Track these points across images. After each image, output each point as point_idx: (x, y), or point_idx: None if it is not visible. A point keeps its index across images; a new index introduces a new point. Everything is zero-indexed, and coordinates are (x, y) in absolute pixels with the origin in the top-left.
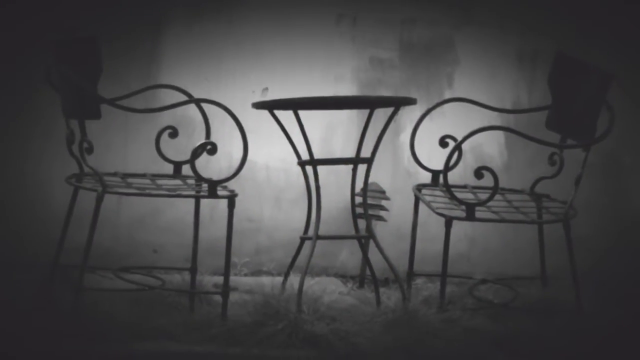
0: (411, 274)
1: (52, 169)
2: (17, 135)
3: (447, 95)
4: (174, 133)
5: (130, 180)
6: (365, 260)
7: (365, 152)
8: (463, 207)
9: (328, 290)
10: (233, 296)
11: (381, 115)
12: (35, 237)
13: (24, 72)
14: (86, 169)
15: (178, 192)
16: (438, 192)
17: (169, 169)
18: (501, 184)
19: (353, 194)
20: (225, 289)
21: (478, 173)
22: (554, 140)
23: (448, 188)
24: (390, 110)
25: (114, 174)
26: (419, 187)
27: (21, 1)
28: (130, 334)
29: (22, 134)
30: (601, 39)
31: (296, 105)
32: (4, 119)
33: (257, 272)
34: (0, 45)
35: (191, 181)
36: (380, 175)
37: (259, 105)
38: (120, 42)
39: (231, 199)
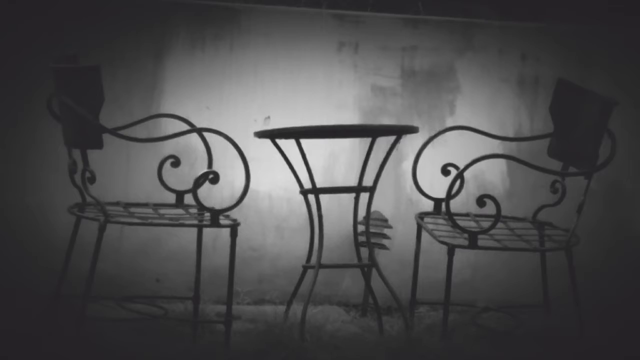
0: (414, 302)
1: (55, 198)
2: (19, 163)
3: (449, 123)
4: (176, 162)
5: (132, 209)
6: (368, 289)
7: (368, 181)
8: (465, 235)
9: (331, 318)
10: (236, 325)
11: (383, 143)
12: (37, 267)
13: (25, 100)
14: (88, 199)
15: (180, 222)
16: (440, 220)
17: (171, 198)
18: (503, 212)
19: (355, 223)
20: (228, 318)
21: (480, 201)
22: (556, 168)
23: (450, 216)
24: (392, 138)
25: (116, 204)
26: (422, 215)
27: (22, 29)
28: None
29: (24, 162)
30: (602, 64)
31: (298, 134)
32: (6, 147)
33: (260, 301)
34: (0, 74)
35: (193, 210)
36: (383, 203)
37: (261, 134)
38: (121, 70)
39: (234, 228)
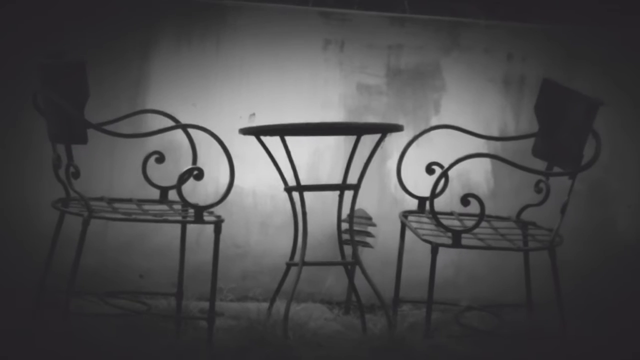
0: (397, 301)
1: (39, 193)
2: (3, 158)
3: (434, 122)
4: (160, 158)
5: (116, 205)
6: (351, 287)
7: (352, 179)
8: (449, 234)
9: (314, 316)
10: (219, 322)
11: (368, 141)
12: (21, 261)
13: (10, 95)
14: (72, 194)
15: (164, 218)
16: (424, 219)
17: (155, 194)
18: (487, 211)
19: (339, 221)
20: (211, 315)
21: (464, 200)
22: (541, 168)
23: (434, 215)
24: (377, 136)
25: (100, 199)
26: (406, 214)
27: (6, 23)
28: (115, 359)
29: (7, 157)
30: (588, 65)
31: (283, 131)
32: (6, 148)
33: (243, 298)
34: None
35: (178, 206)
36: (367, 201)
37: (245, 131)
38: (107, 66)
39: (217, 224)
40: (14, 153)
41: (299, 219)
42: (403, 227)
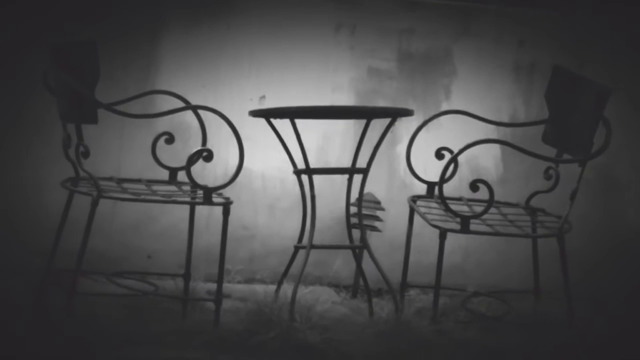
0: (405, 285)
1: (48, 172)
2: (14, 137)
3: (444, 107)
4: (170, 139)
5: (125, 185)
6: (359, 271)
7: (361, 162)
8: (458, 219)
9: (321, 299)
10: (226, 303)
11: (378, 125)
12: (30, 240)
13: (21, 75)
14: (82, 173)
15: (173, 199)
16: (433, 204)
17: (164, 174)
18: (496, 197)
19: (348, 204)
20: (218, 296)
21: (473, 186)
22: (550, 155)
23: (443, 200)
24: (387, 120)
25: (110, 179)
26: (414, 199)
27: (18, 3)
28: (122, 339)
29: (18, 136)
30: (598, 51)
31: (293, 114)
32: (0, 121)
33: (251, 280)
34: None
35: (186, 187)
36: (376, 185)
37: (255, 113)
38: (118, 47)
39: (226, 206)
40: (25, 132)
41: (308, 202)
42: (412, 211)
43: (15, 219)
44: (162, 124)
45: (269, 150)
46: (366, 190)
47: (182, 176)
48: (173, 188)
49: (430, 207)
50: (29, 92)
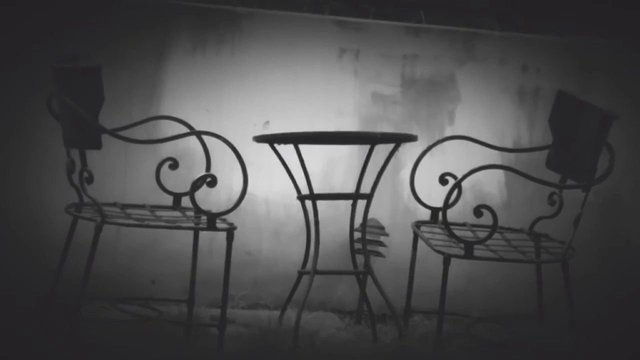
0: (409, 311)
1: (53, 197)
2: (18, 162)
3: (448, 132)
4: (174, 164)
5: (129, 210)
6: (363, 296)
7: (365, 188)
8: (462, 245)
9: (325, 325)
10: (230, 329)
11: (382, 150)
12: (34, 265)
13: (24, 99)
14: (86, 199)
15: (177, 224)
16: (437, 229)
17: (168, 200)
18: (500, 223)
19: (352, 230)
20: (222, 322)
21: (477, 211)
22: (554, 180)
23: (447, 226)
24: (391, 146)
25: (114, 204)
26: (418, 224)
27: (23, 28)
28: None
29: (23, 161)
30: (602, 77)
31: (297, 139)
32: (6, 145)
33: (255, 306)
34: (1, 72)
35: (190, 213)
36: (380, 211)
37: (260, 139)
38: (122, 70)
39: (230, 232)
40: (29, 156)
41: (312, 227)
42: (415, 237)
43: (20, 243)
44: (167, 150)
45: (273, 175)
46: (370, 215)
47: (186, 201)
48: (177, 214)
49: (434, 233)
50: (33, 116)
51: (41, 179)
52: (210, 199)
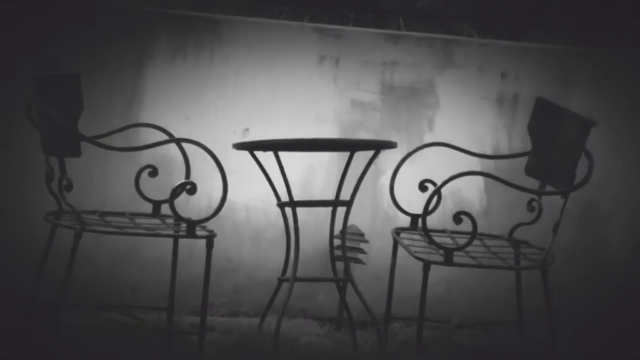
0: (389, 317)
1: (32, 204)
2: None
3: (428, 139)
4: (153, 172)
5: (108, 218)
6: (343, 303)
7: (345, 195)
8: (441, 251)
9: (305, 332)
10: (210, 336)
11: (362, 157)
12: (13, 273)
13: (4, 106)
14: (65, 207)
15: (156, 232)
16: (417, 236)
17: (148, 207)
18: (480, 229)
19: (332, 237)
20: (202, 329)
21: (457, 218)
22: (534, 187)
23: (427, 232)
24: (370, 152)
25: (93, 212)
26: (398, 231)
27: (1, 35)
28: None
29: (1, 169)
30: (581, 84)
31: (276, 146)
32: None
33: (235, 313)
34: None
35: (170, 220)
36: (360, 217)
37: (239, 146)
38: (101, 78)
39: (209, 239)
40: (7, 164)
41: (291, 234)
42: (395, 243)
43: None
44: (146, 157)
45: (253, 182)
46: (350, 222)
47: (166, 209)
48: (157, 221)
49: (413, 239)
50: (13, 123)
51: (20, 187)
52: (191, 206)
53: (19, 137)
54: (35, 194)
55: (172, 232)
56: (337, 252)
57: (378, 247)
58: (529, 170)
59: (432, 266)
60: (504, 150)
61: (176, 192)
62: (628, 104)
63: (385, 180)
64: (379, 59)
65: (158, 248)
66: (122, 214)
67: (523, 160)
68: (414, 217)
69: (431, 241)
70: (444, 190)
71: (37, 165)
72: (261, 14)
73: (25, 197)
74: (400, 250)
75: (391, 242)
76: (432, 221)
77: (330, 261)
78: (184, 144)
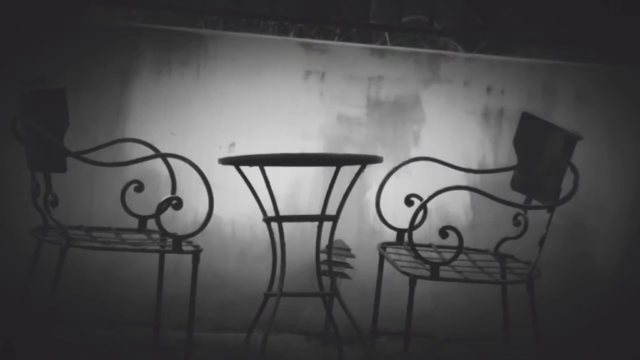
0: (375, 332)
1: (18, 219)
2: None
3: (414, 153)
4: (139, 187)
5: (94, 233)
6: (329, 318)
7: (331, 209)
8: (427, 266)
9: (292, 347)
10: (196, 352)
11: (348, 172)
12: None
13: None
14: (51, 222)
15: (142, 247)
16: (403, 251)
17: (134, 223)
18: (466, 244)
19: (318, 251)
20: (189, 345)
21: (443, 232)
22: (519, 201)
23: (413, 247)
24: (356, 167)
25: (79, 227)
26: (384, 245)
27: None
28: None
29: None
30: (566, 99)
31: (262, 161)
32: None
33: (221, 328)
34: None
35: (156, 235)
36: (346, 232)
37: (225, 161)
38: (87, 94)
39: (195, 254)
40: None
41: (278, 249)
42: (381, 258)
43: None
44: (132, 172)
45: (239, 197)
46: (336, 237)
47: (152, 224)
48: (143, 236)
49: (400, 254)
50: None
51: (6, 202)
52: (177, 221)
53: (4, 152)
54: (21, 210)
55: (158, 247)
56: (324, 267)
57: (364, 261)
58: (515, 185)
59: (419, 281)
60: (490, 165)
61: (162, 207)
62: (614, 118)
63: (372, 194)
64: (364, 73)
65: (144, 263)
66: (108, 229)
67: (509, 175)
68: (400, 232)
69: (417, 256)
70: (430, 205)
71: (23, 181)
72: (247, 29)
73: (11, 213)
74: (387, 264)
75: (377, 256)
76: (418, 236)
77: (317, 276)
78: (170, 159)
